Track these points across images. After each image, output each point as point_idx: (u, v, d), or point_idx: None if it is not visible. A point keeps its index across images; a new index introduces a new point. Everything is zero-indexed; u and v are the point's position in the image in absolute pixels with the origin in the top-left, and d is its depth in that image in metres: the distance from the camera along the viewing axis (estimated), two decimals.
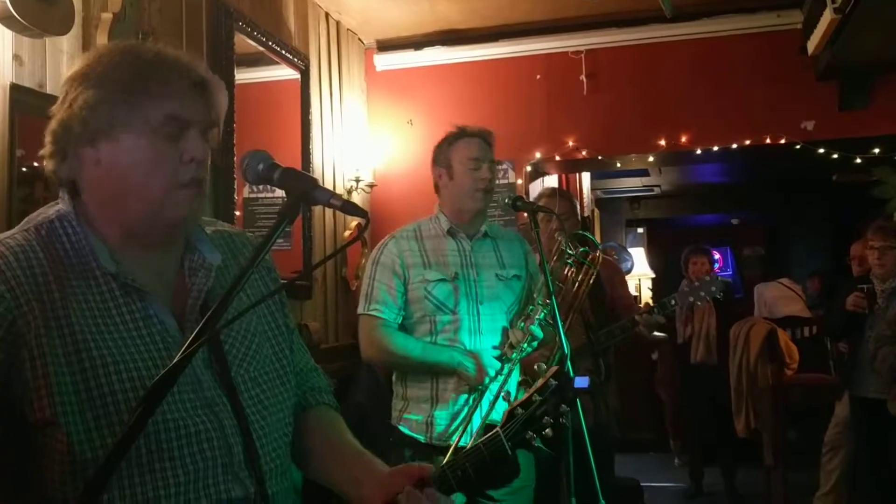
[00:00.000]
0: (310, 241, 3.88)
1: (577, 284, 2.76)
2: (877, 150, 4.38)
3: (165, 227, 1.13)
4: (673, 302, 3.01)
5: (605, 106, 4.46)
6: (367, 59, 4.76)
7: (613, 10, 4.32)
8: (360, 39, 4.71)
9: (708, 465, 5.20)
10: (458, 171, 2.44)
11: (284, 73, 3.85)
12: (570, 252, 2.74)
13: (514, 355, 2.35)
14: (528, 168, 4.57)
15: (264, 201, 3.59)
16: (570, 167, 5.05)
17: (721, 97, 4.33)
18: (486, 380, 2.30)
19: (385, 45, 4.74)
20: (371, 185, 4.50)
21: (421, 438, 2.36)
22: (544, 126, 4.51)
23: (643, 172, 7.33)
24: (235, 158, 3.12)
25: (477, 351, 2.34)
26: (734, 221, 10.50)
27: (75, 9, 2.38)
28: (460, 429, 2.32)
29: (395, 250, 2.44)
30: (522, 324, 2.37)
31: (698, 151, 4.42)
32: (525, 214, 2.95)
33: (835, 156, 4.39)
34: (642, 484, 4.52)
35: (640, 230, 9.35)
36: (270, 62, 3.70)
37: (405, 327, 2.43)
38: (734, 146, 4.35)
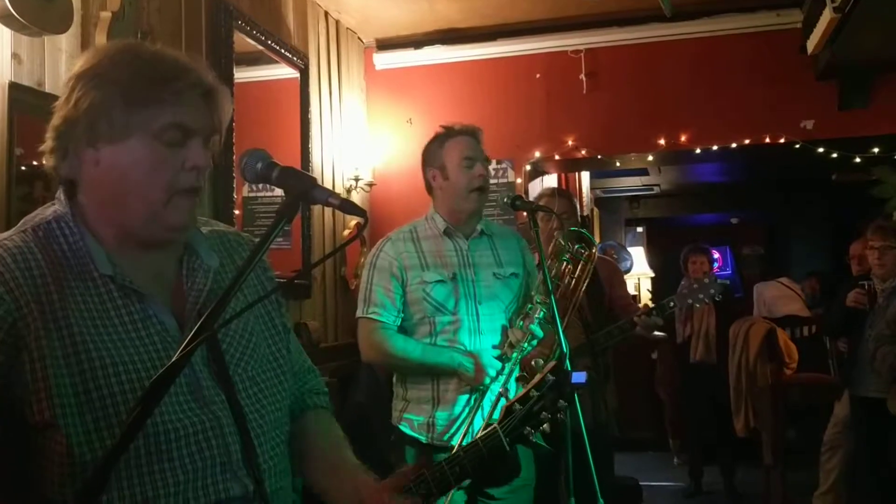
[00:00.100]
0: (309, 240, 3.88)
1: (574, 281, 2.76)
2: (876, 150, 4.38)
3: (165, 231, 1.13)
4: (672, 304, 3.01)
5: (604, 105, 4.46)
6: (366, 58, 4.76)
7: (613, 9, 4.32)
8: (359, 38, 4.71)
9: (707, 464, 5.21)
10: (451, 170, 2.43)
11: (284, 71, 3.84)
12: (568, 248, 2.73)
13: (515, 354, 2.35)
14: (528, 167, 4.57)
15: (263, 200, 3.59)
16: (569, 166, 5.04)
17: (720, 96, 4.33)
18: (487, 380, 2.30)
19: (384, 44, 4.73)
20: (370, 184, 4.50)
21: (422, 438, 2.36)
22: (544, 125, 4.51)
23: (643, 172, 7.33)
24: (235, 157, 3.12)
25: (476, 351, 2.33)
26: (734, 221, 10.51)
27: (74, 7, 2.38)
28: (462, 429, 2.32)
29: (392, 252, 2.43)
30: (522, 322, 2.37)
31: (698, 151, 4.42)
32: (524, 214, 2.95)
33: (834, 155, 4.39)
34: (641, 483, 4.53)
35: (640, 229, 9.35)
36: (270, 61, 3.70)
37: (404, 329, 2.43)
38: (734, 145, 4.35)
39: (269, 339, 1.25)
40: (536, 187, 4.73)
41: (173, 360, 0.91)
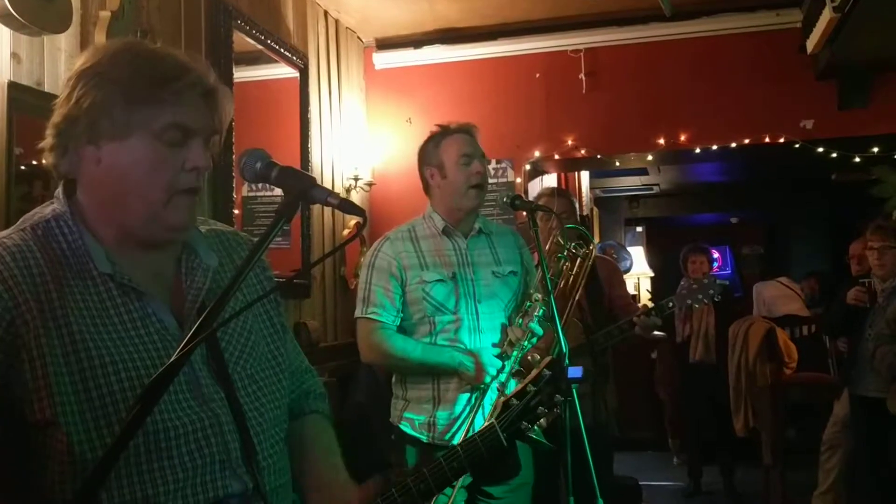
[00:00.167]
0: (308, 240, 3.88)
1: (572, 278, 2.76)
2: (876, 149, 4.38)
3: (165, 231, 1.13)
4: (671, 304, 3.01)
5: (604, 105, 4.46)
6: (366, 58, 4.76)
7: (613, 8, 4.32)
8: (359, 38, 4.71)
9: (706, 463, 5.20)
10: (449, 168, 2.42)
11: (283, 71, 3.84)
12: (566, 247, 2.73)
13: (515, 353, 2.35)
14: (527, 167, 4.57)
15: (263, 200, 3.59)
16: (569, 166, 5.04)
17: (720, 96, 4.33)
18: (487, 378, 2.30)
19: (384, 44, 4.73)
20: (370, 184, 4.50)
21: (423, 438, 2.36)
22: (543, 125, 4.51)
23: (642, 171, 7.33)
24: (234, 157, 3.12)
25: (477, 350, 2.33)
26: (733, 220, 10.51)
27: (73, 7, 2.38)
28: (463, 428, 2.32)
29: (390, 252, 2.42)
30: (521, 320, 2.37)
31: (697, 150, 4.42)
32: (524, 213, 2.95)
33: (834, 155, 4.39)
34: (641, 483, 4.52)
35: (639, 229, 9.35)
36: (269, 60, 3.70)
37: (403, 329, 2.42)
38: (733, 145, 4.35)
39: (267, 338, 1.26)
40: (536, 187, 4.73)
41: (172, 358, 0.91)
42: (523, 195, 4.21)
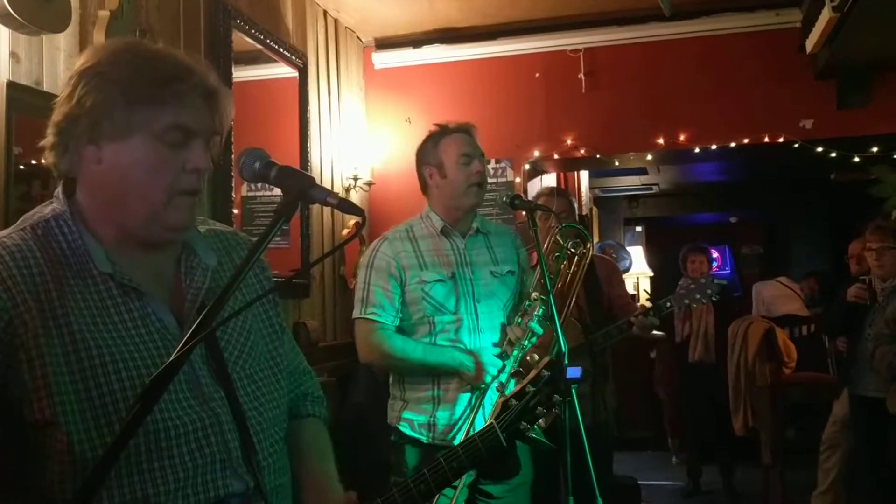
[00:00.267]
0: (308, 240, 3.87)
1: (570, 277, 2.76)
2: (875, 149, 4.38)
3: (165, 232, 1.13)
4: (668, 304, 3.00)
5: (603, 104, 4.46)
6: (365, 57, 4.76)
7: (612, 8, 4.32)
8: (358, 37, 4.71)
9: (706, 463, 5.21)
10: (449, 168, 2.41)
11: (282, 70, 3.84)
12: (565, 245, 2.73)
13: (515, 352, 2.34)
14: (527, 166, 4.57)
15: (262, 199, 3.59)
16: (568, 165, 5.04)
17: (720, 96, 4.34)
18: (488, 378, 2.29)
19: (383, 43, 4.73)
20: (369, 184, 4.50)
21: (423, 438, 2.35)
22: (543, 124, 4.51)
23: (642, 171, 7.34)
24: (233, 156, 3.12)
25: (477, 349, 2.33)
26: (733, 220, 10.52)
27: (72, 6, 2.37)
28: (463, 428, 2.31)
29: (389, 252, 2.40)
30: (520, 319, 2.37)
31: (697, 150, 4.42)
32: (523, 213, 2.94)
33: (833, 154, 4.39)
34: (640, 482, 4.52)
35: (639, 229, 9.36)
36: (268, 60, 3.70)
37: (402, 329, 2.41)
38: (732, 145, 4.35)
39: (266, 338, 1.26)
40: (535, 186, 4.73)
41: (172, 357, 0.91)
42: (522, 195, 4.21)
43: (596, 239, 7.84)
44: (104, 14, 2.51)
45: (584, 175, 6.69)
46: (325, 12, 4.28)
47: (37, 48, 2.33)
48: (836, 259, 7.55)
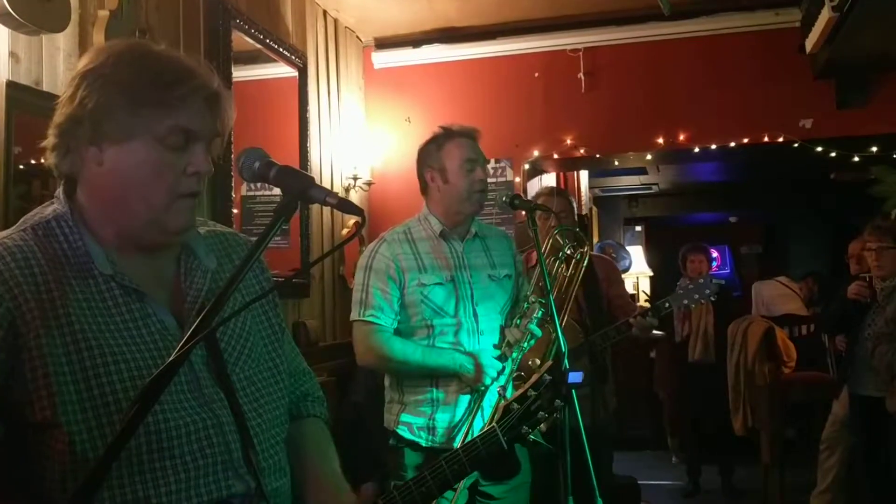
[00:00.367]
0: (307, 240, 3.88)
1: (567, 280, 2.76)
2: (874, 149, 4.38)
3: (165, 234, 1.13)
4: (667, 305, 3.00)
5: (603, 104, 4.46)
6: (365, 57, 4.76)
7: (612, 7, 4.33)
8: (357, 37, 4.71)
9: (705, 462, 5.21)
10: (452, 173, 2.40)
11: (282, 70, 3.84)
12: (564, 246, 2.74)
13: (515, 354, 2.34)
14: (526, 166, 4.57)
15: (262, 199, 3.59)
16: (568, 165, 5.04)
17: (719, 95, 4.34)
18: (487, 380, 2.28)
19: (383, 43, 4.73)
20: (369, 183, 4.50)
21: (422, 441, 2.34)
22: (542, 124, 4.51)
23: (641, 171, 7.34)
24: (233, 156, 3.12)
25: (476, 351, 2.32)
26: (732, 220, 10.52)
27: (72, 6, 2.37)
28: (462, 430, 2.30)
29: (388, 254, 2.38)
30: (519, 320, 2.37)
31: (696, 149, 4.42)
32: (523, 213, 2.94)
33: (833, 154, 4.39)
34: (640, 482, 4.52)
35: (638, 228, 9.35)
36: (268, 60, 3.70)
37: (400, 331, 2.38)
38: (732, 144, 4.36)
39: (265, 340, 1.26)
40: (535, 186, 4.73)
41: (171, 358, 0.91)
42: (522, 194, 4.21)
43: (595, 239, 7.84)
44: (104, 14, 2.51)
45: (584, 175, 6.69)
46: (324, 12, 4.28)
47: (36, 48, 2.33)
48: (835, 259, 7.55)
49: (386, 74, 4.73)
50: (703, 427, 5.20)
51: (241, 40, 3.39)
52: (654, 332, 3.24)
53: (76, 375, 1.02)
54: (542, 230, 2.92)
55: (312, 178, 1.06)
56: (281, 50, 3.72)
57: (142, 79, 1.08)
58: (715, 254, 9.18)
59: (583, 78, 4.45)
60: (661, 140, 4.40)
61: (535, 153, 4.52)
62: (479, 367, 2.28)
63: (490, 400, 2.32)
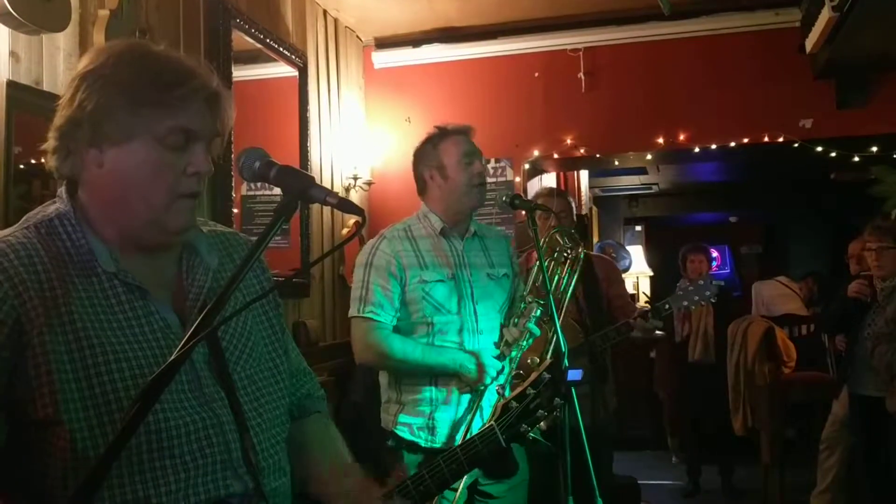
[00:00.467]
0: (307, 239, 3.87)
1: (564, 281, 2.76)
2: (874, 149, 4.38)
3: (166, 234, 1.13)
4: (667, 306, 3.00)
5: (603, 104, 4.46)
6: (365, 57, 4.75)
7: (612, 7, 4.33)
8: (358, 37, 4.71)
9: (705, 462, 5.21)
10: (451, 169, 2.40)
11: (282, 70, 3.84)
12: (564, 246, 2.74)
13: (514, 353, 2.34)
14: (526, 166, 4.57)
15: (262, 199, 3.59)
16: (568, 165, 5.04)
17: (719, 95, 4.34)
18: (488, 379, 2.28)
19: (383, 43, 4.73)
20: (369, 183, 4.50)
21: (421, 442, 2.32)
22: (542, 124, 4.51)
23: (641, 170, 7.34)
24: (233, 156, 3.12)
25: (477, 350, 2.31)
26: (732, 220, 10.52)
27: (72, 6, 2.37)
28: (461, 430, 2.30)
29: (389, 251, 2.38)
30: (517, 320, 2.37)
31: (696, 149, 4.42)
32: (523, 213, 2.94)
33: (833, 154, 4.39)
34: (640, 482, 4.52)
35: (639, 228, 9.35)
36: (268, 59, 3.70)
37: (399, 329, 2.37)
38: (732, 144, 4.36)
39: (266, 339, 1.26)
40: (535, 186, 4.73)
41: (172, 357, 0.91)
42: (522, 194, 4.21)
43: (596, 239, 7.85)
44: (104, 13, 2.51)
45: (584, 175, 6.69)
46: (324, 11, 4.28)
47: (37, 47, 2.33)
48: (835, 259, 7.55)
49: (386, 74, 4.73)
50: (703, 427, 5.21)
51: (242, 40, 3.39)
52: (655, 332, 3.24)
53: (78, 374, 1.03)
54: (541, 230, 2.92)
55: (313, 178, 1.07)
56: (281, 50, 3.72)
57: (142, 79, 1.08)
58: (715, 254, 9.18)
59: (583, 78, 4.45)
60: (661, 140, 4.40)
61: (535, 153, 4.52)
62: (480, 367, 2.27)
63: (489, 399, 2.31)
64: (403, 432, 2.35)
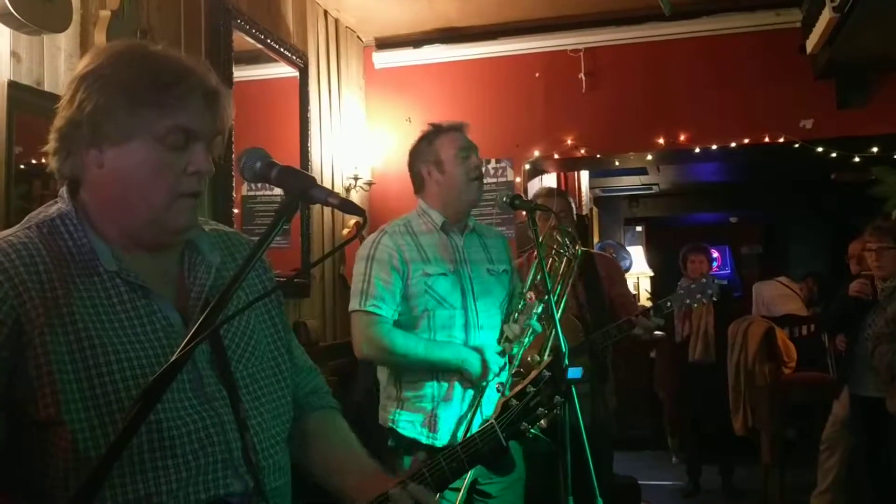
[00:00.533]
0: (308, 240, 3.88)
1: (561, 277, 2.76)
2: (875, 149, 4.38)
3: (167, 234, 1.14)
4: (668, 305, 3.00)
5: (603, 104, 4.46)
6: (365, 57, 4.76)
7: (612, 8, 4.33)
8: (358, 37, 4.71)
9: (706, 463, 5.21)
10: (448, 164, 2.42)
11: (283, 70, 3.84)
12: (565, 246, 2.74)
13: (516, 349, 2.33)
14: (527, 166, 4.57)
15: (263, 199, 3.59)
16: (568, 165, 5.05)
17: (720, 95, 4.34)
18: (491, 375, 2.27)
19: (384, 43, 4.73)
20: (369, 183, 4.50)
21: (423, 439, 2.31)
22: (543, 124, 4.51)
23: (642, 171, 7.34)
24: (234, 156, 3.12)
25: (481, 346, 2.30)
26: (733, 220, 10.52)
27: (73, 6, 2.38)
28: (463, 426, 2.29)
29: (391, 244, 2.36)
30: (518, 316, 2.37)
31: (697, 150, 4.42)
32: (523, 213, 2.95)
33: (833, 154, 4.39)
34: (640, 482, 4.53)
35: (639, 228, 9.35)
36: (269, 60, 3.70)
37: (400, 324, 2.35)
38: (733, 145, 4.36)
39: (268, 338, 1.26)
40: (535, 186, 4.73)
41: (173, 358, 0.91)
42: (523, 195, 4.21)
43: (596, 239, 7.85)
44: (105, 14, 2.51)
45: (585, 175, 6.69)
46: (325, 12, 4.29)
47: (38, 48, 2.33)
48: (836, 259, 7.54)
49: (386, 74, 4.73)
50: (703, 427, 5.21)
51: (242, 40, 3.39)
52: (655, 332, 3.24)
53: (79, 374, 1.03)
54: (542, 231, 2.92)
55: (314, 179, 1.07)
56: (282, 50, 3.72)
57: (140, 78, 1.08)
58: (715, 254, 9.18)
59: (583, 78, 4.45)
60: (661, 140, 4.40)
61: (536, 153, 4.52)
62: (484, 363, 2.27)
63: (489, 396, 2.31)
64: (404, 430, 2.34)
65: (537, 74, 4.54)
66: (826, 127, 4.23)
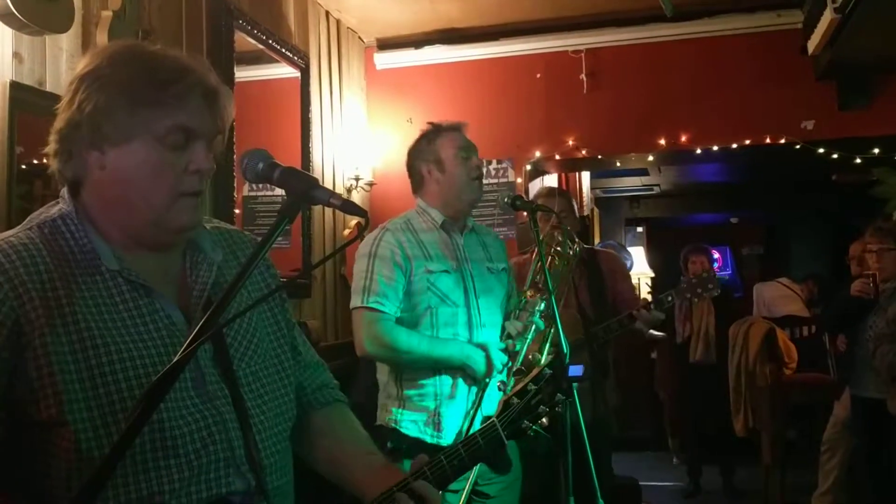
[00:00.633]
0: (309, 240, 3.88)
1: (560, 276, 2.77)
2: (876, 150, 4.38)
3: (169, 233, 1.14)
4: (670, 298, 3.00)
5: (605, 105, 4.46)
6: (367, 58, 4.76)
7: (614, 8, 4.33)
8: (360, 38, 4.71)
9: (706, 463, 5.21)
10: (448, 163, 2.42)
11: (284, 71, 3.85)
12: (567, 246, 2.74)
13: (518, 346, 2.33)
14: (528, 167, 4.57)
15: (264, 199, 3.60)
16: (569, 166, 5.04)
17: (721, 96, 4.34)
18: (495, 372, 2.26)
19: (385, 44, 4.74)
20: (371, 184, 4.50)
21: (426, 439, 2.29)
22: (544, 125, 4.51)
23: (643, 172, 7.33)
24: (235, 157, 3.12)
25: (485, 343, 2.30)
26: (733, 221, 10.51)
27: (75, 6, 2.38)
28: (465, 425, 2.28)
29: (393, 241, 2.35)
30: (519, 312, 2.37)
31: (698, 151, 4.42)
32: (524, 213, 2.95)
33: (834, 156, 4.39)
34: (641, 482, 4.52)
35: (640, 229, 9.35)
36: (270, 60, 3.70)
37: (402, 321, 2.33)
38: (734, 146, 4.35)
39: (271, 337, 1.26)
40: (537, 187, 4.73)
41: (175, 358, 0.91)
42: (524, 195, 4.21)
43: (597, 239, 7.84)
44: (107, 14, 2.52)
45: (586, 176, 6.69)
46: (326, 13, 4.29)
47: (39, 48, 2.33)
48: (836, 260, 7.55)
49: (388, 75, 4.73)
50: (703, 428, 5.21)
51: (244, 41, 3.39)
52: (655, 332, 3.24)
53: (82, 374, 1.03)
54: (542, 231, 2.92)
55: (316, 179, 1.07)
56: (283, 50, 3.73)
57: (139, 78, 1.08)
58: (716, 255, 9.17)
59: (584, 79, 4.45)
60: (662, 141, 4.40)
61: (537, 154, 4.52)
62: (489, 360, 2.26)
63: (491, 394, 2.29)
64: (407, 430, 2.32)
65: (538, 75, 4.54)
66: (827, 128, 4.23)
